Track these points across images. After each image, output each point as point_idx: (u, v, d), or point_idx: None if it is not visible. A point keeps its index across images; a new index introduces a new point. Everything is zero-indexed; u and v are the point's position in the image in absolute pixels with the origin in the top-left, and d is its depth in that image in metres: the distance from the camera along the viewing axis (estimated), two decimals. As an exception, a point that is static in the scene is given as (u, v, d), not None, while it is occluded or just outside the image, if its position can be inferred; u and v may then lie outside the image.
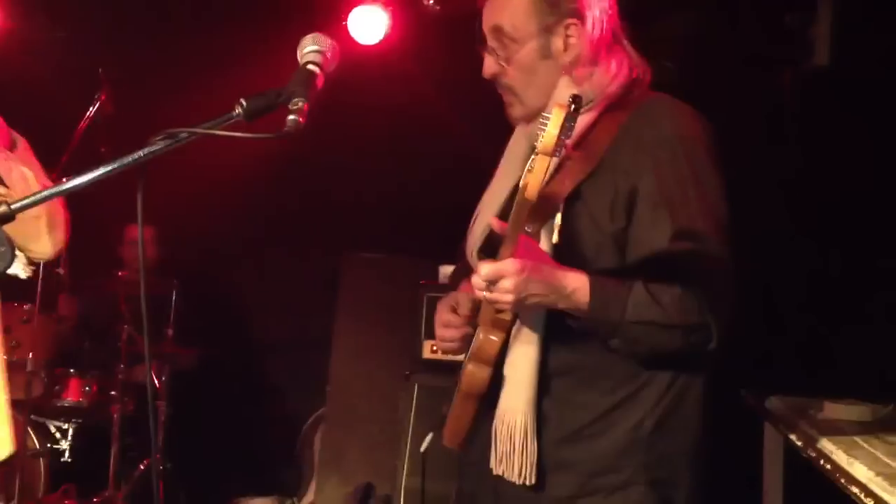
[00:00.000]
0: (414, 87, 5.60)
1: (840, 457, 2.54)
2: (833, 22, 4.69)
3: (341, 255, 5.60)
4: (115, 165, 1.71)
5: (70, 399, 5.33)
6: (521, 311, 2.14)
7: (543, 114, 1.90)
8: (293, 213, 5.95)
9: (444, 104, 5.49)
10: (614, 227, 2.14)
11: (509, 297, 2.00)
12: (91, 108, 4.90)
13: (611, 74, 2.22)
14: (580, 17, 2.20)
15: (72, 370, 5.36)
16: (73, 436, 5.32)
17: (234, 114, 1.76)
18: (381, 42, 5.34)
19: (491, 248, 2.30)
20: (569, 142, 2.04)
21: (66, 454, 5.30)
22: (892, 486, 2.22)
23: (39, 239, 2.62)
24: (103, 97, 4.90)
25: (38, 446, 5.15)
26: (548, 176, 1.98)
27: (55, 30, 5.61)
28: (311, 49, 1.85)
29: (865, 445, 2.63)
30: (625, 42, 2.27)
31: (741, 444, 3.74)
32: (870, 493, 2.30)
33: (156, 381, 5.45)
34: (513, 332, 2.19)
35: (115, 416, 5.25)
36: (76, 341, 5.56)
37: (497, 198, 2.37)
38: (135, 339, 5.34)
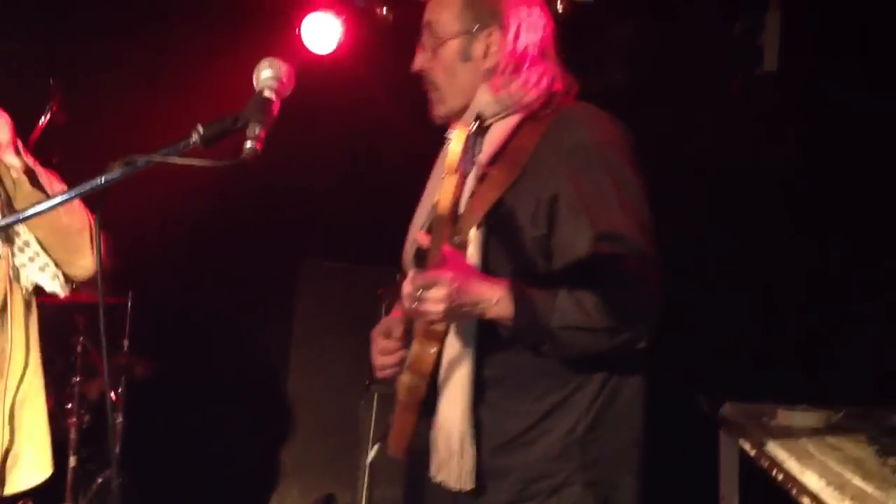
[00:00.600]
0: (368, 95, 5.60)
1: (792, 465, 2.59)
2: (781, 29, 4.77)
3: (300, 264, 5.59)
4: (74, 193, 1.73)
5: (24, 412, 5.26)
6: (453, 322, 2.21)
7: (447, 134, 2.01)
8: (251, 222, 5.91)
9: (398, 111, 5.50)
10: (538, 233, 2.22)
11: (440, 307, 2.05)
12: (43, 118, 4.85)
13: (530, 85, 2.32)
14: (503, 27, 2.33)
15: (26, 383, 5.29)
16: (27, 449, 5.25)
17: (190, 140, 1.78)
18: (334, 51, 5.34)
19: (423, 261, 2.37)
20: (483, 157, 2.17)
21: (22, 468, 5.23)
22: (842, 495, 2.26)
23: (83, 253, 2.69)
24: (55, 107, 4.85)
25: (-8, 461, 5.08)
26: (459, 191, 2.05)
27: (5, 40, 5.53)
28: (267, 75, 1.89)
29: (818, 454, 2.68)
30: (553, 58, 2.38)
31: (704, 450, 3.80)
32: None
33: (112, 393, 5.40)
34: (446, 342, 2.25)
35: (72, 429, 5.19)
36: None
37: (424, 210, 2.49)
38: (90, 351, 5.28)
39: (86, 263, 2.71)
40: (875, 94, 4.63)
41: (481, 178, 2.25)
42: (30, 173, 2.48)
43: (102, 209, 1.76)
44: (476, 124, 1.96)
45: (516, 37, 2.32)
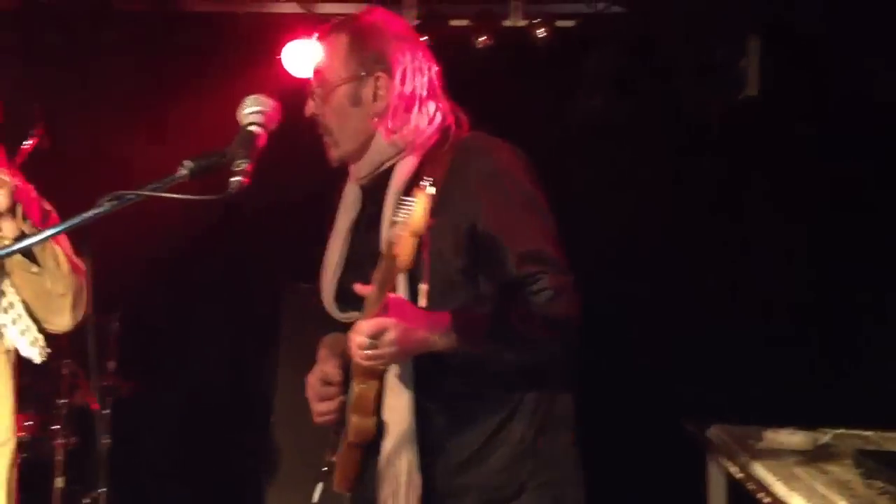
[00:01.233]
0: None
1: (779, 489, 2.61)
2: (761, 54, 4.82)
3: (283, 286, 5.59)
4: (63, 226, 1.74)
5: (10, 435, 5.23)
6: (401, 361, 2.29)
7: (404, 197, 2.03)
8: (233, 244, 5.92)
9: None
10: (462, 263, 2.33)
11: (393, 349, 2.14)
12: (27, 144, 4.84)
13: (422, 125, 2.43)
14: (389, 72, 2.42)
15: (10, 406, 5.27)
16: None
17: (178, 175, 1.80)
18: (315, 75, 5.35)
19: (346, 298, 2.51)
20: (397, 193, 2.34)
21: (7, 491, 5.21)
22: (829, 519, 2.28)
23: (63, 314, 2.83)
24: (39, 132, 4.85)
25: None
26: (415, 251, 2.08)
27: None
28: (252, 110, 1.93)
29: (805, 476, 2.69)
30: (441, 95, 2.49)
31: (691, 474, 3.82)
32: (808, 527, 2.36)
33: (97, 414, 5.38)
34: (387, 379, 2.33)
35: (59, 449, 5.17)
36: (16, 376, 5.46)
37: (338, 242, 2.59)
38: (76, 373, 5.27)
39: (63, 322, 2.87)
40: (854, 117, 4.68)
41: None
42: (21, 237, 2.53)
43: (90, 244, 1.76)
44: (431, 185, 2.00)
45: (403, 79, 2.41)
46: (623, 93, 5.13)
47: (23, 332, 2.80)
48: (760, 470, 2.80)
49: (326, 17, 5.33)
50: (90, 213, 1.72)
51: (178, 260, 5.90)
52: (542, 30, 5.14)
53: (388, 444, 2.32)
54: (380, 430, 2.33)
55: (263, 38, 5.39)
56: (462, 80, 5.28)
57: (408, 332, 2.14)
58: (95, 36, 5.50)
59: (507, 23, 5.26)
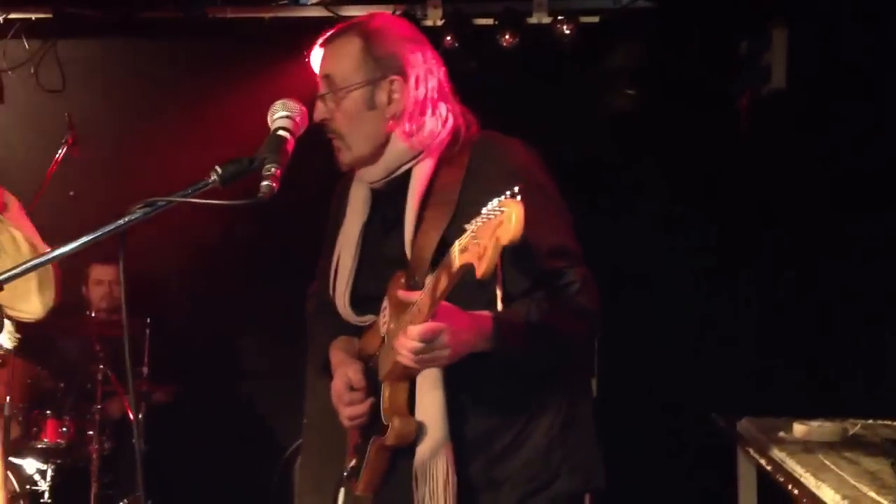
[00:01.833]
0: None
1: (808, 480, 2.61)
2: (787, 47, 4.81)
3: (311, 287, 5.62)
4: (98, 234, 1.78)
5: (47, 440, 5.31)
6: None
7: (495, 204, 1.94)
8: (264, 247, 5.96)
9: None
10: None
11: (446, 353, 2.16)
12: (59, 152, 4.92)
13: (437, 127, 2.43)
14: (404, 75, 2.41)
15: (48, 412, 5.35)
16: (51, 477, 5.31)
17: (209, 180, 1.83)
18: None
19: (360, 301, 2.52)
20: (413, 201, 2.37)
21: (46, 495, 5.28)
22: (858, 509, 2.28)
23: (29, 299, 2.71)
24: (70, 141, 4.93)
25: (17, 489, 5.14)
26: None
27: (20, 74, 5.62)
28: (280, 115, 1.94)
29: (834, 467, 2.69)
30: (451, 96, 2.49)
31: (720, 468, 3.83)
32: (837, 518, 2.37)
33: (132, 419, 5.44)
34: (418, 380, 2.35)
35: (94, 455, 5.24)
36: (51, 383, 5.55)
37: (351, 246, 2.56)
38: (110, 379, 5.34)
39: (32, 308, 2.76)
40: (882, 107, 4.66)
41: (421, 219, 2.37)
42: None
43: (125, 250, 1.80)
44: (518, 193, 1.94)
45: (417, 82, 2.41)
46: (648, 87, 5.13)
47: None
48: (790, 462, 2.80)
49: (352, 20, 5.43)
50: (123, 221, 1.76)
51: (209, 263, 5.96)
52: (567, 26, 5.15)
53: (423, 445, 2.33)
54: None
55: (290, 43, 5.43)
56: (487, 77, 5.34)
57: (456, 335, 2.15)
58: (124, 44, 5.57)
59: (532, 20, 5.28)
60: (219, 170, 1.82)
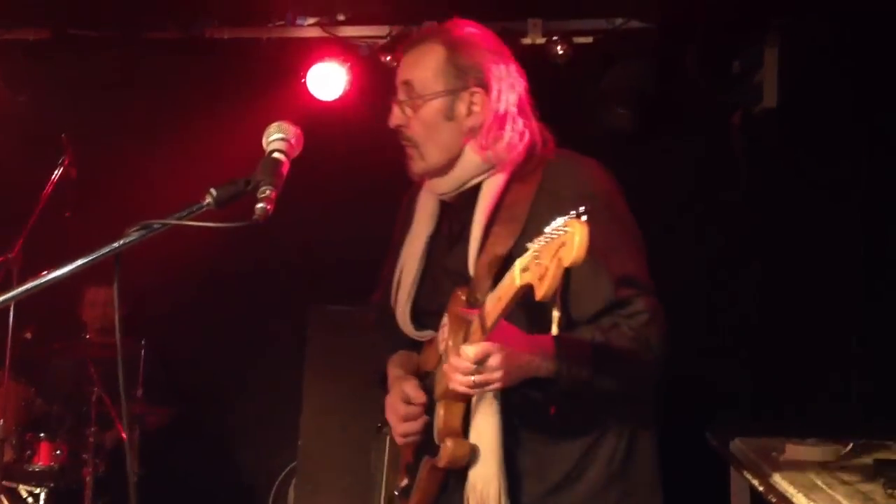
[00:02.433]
0: (374, 141, 5.65)
1: (800, 500, 2.61)
2: (779, 65, 4.84)
3: (308, 309, 5.63)
4: (93, 257, 1.78)
5: (41, 463, 5.30)
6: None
7: (560, 224, 1.89)
8: (258, 267, 5.96)
9: (403, 156, 5.56)
10: None
11: (498, 375, 2.12)
12: (55, 173, 4.92)
13: (514, 142, 2.38)
14: (486, 87, 2.38)
15: (42, 434, 5.34)
16: (45, 500, 5.29)
17: (204, 203, 1.83)
18: (340, 98, 5.43)
19: (419, 314, 2.49)
20: (481, 215, 2.32)
21: (39, 518, 5.27)
22: (850, 529, 2.29)
23: None
24: (67, 162, 4.93)
25: (9, 512, 5.13)
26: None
27: (17, 94, 5.63)
28: (276, 137, 1.94)
29: (826, 488, 2.69)
30: (530, 112, 2.45)
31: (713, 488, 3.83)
32: (828, 538, 2.37)
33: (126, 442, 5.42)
34: (473, 400, 2.30)
35: (87, 478, 5.23)
36: (45, 405, 5.54)
37: (415, 259, 2.52)
38: (104, 402, 5.32)
39: None
40: (871, 126, 4.69)
41: (484, 238, 2.32)
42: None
43: (120, 272, 1.80)
44: (584, 213, 1.88)
45: (499, 96, 2.37)
46: (642, 107, 5.15)
47: None
48: (782, 482, 2.80)
49: (349, 41, 5.46)
50: (119, 243, 1.77)
51: (203, 285, 5.96)
52: (561, 46, 5.17)
53: (476, 470, 2.28)
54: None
55: (288, 63, 5.46)
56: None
57: (512, 358, 2.11)
58: (123, 64, 5.59)
59: (526, 40, 5.29)
60: (214, 192, 1.82)
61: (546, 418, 2.32)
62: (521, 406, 2.29)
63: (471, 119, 2.38)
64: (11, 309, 4.45)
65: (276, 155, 1.91)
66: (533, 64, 5.26)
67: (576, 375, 2.21)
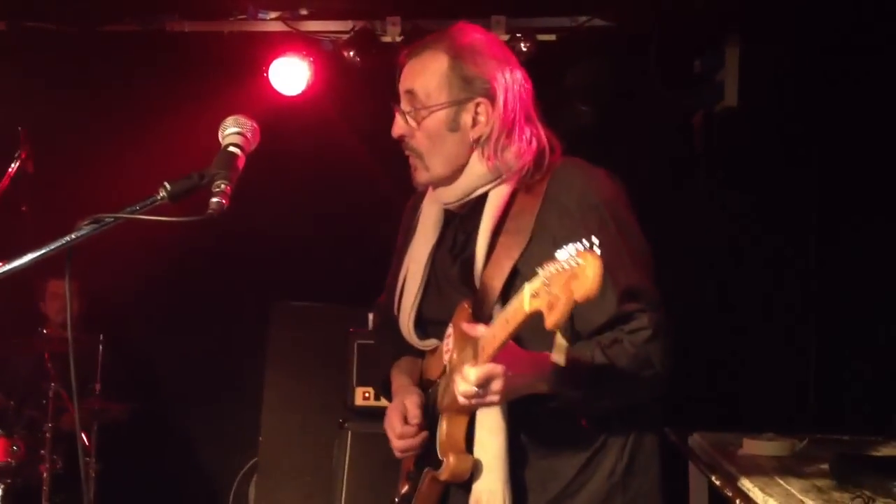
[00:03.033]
0: (337, 136, 5.66)
1: (756, 495, 2.63)
2: (740, 66, 4.88)
3: (269, 305, 5.61)
4: (44, 251, 1.75)
5: (-2, 459, 5.24)
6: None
7: (571, 252, 1.83)
8: (219, 263, 5.93)
9: (365, 152, 5.56)
10: None
11: (496, 398, 2.10)
12: (11, 167, 4.86)
13: (521, 151, 2.31)
14: (491, 97, 2.30)
15: (-2, 431, 5.28)
16: (1, 496, 5.23)
17: (158, 197, 1.81)
18: (302, 93, 5.41)
19: (424, 323, 2.45)
20: (493, 222, 2.27)
21: (-4, 515, 5.22)
22: (805, 524, 2.31)
23: None
24: (23, 155, 4.87)
25: (-35, 509, 5.07)
26: None
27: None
28: (232, 131, 1.91)
29: (782, 482, 2.72)
30: (536, 119, 2.36)
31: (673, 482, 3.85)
32: (784, 532, 2.39)
33: (84, 438, 5.38)
34: (478, 413, 2.27)
35: (45, 474, 5.18)
36: (2, 401, 5.48)
37: (419, 266, 2.46)
38: (62, 397, 5.27)
39: None
40: (831, 125, 4.74)
41: (493, 245, 2.29)
42: None
43: (71, 266, 1.78)
44: (599, 246, 1.83)
45: (505, 105, 2.31)
46: (604, 105, 5.18)
47: None
48: (739, 476, 2.83)
49: (312, 36, 5.44)
50: (70, 237, 1.74)
51: (165, 281, 5.92)
52: (525, 44, 5.18)
53: (480, 483, 2.26)
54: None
55: (249, 58, 5.44)
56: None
57: (514, 380, 2.09)
58: (81, 57, 5.53)
59: (490, 37, 5.30)
60: (167, 186, 1.80)
61: (548, 432, 2.30)
62: (524, 420, 2.27)
63: (476, 130, 2.32)
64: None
65: (231, 149, 1.88)
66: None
67: (573, 395, 2.19)
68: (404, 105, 2.37)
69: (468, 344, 2.16)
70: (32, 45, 5.51)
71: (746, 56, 4.96)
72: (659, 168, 5.16)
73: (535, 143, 2.33)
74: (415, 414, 2.39)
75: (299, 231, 5.84)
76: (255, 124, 1.94)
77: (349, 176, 5.63)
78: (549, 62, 5.23)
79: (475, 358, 2.09)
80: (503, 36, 5.28)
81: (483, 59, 2.33)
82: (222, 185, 1.80)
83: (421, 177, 2.40)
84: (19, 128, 4.81)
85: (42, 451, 5.24)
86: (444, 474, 2.28)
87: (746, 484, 2.73)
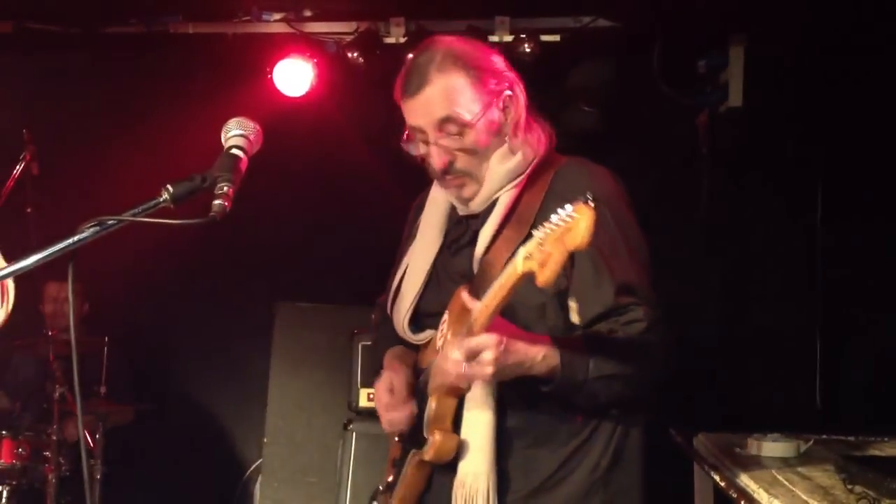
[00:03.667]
0: (339, 138, 5.66)
1: (761, 495, 2.62)
2: (744, 65, 4.87)
3: (274, 305, 5.61)
4: (47, 253, 1.75)
5: (3, 461, 5.22)
6: (497, 381, 2.23)
7: (565, 209, 1.90)
8: (224, 264, 5.93)
9: (369, 154, 5.56)
10: (556, 287, 2.23)
11: (489, 370, 2.10)
12: (16, 169, 4.87)
13: (534, 145, 2.37)
14: (511, 88, 2.36)
15: (3, 432, 5.27)
16: (7, 498, 5.22)
17: (160, 199, 1.80)
18: (306, 94, 5.41)
19: (420, 316, 2.45)
20: (496, 217, 2.29)
21: (1, 518, 5.21)
22: (809, 525, 2.30)
23: None
24: (28, 157, 4.88)
25: (-30, 511, 5.06)
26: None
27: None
28: (235, 133, 1.91)
29: (786, 482, 2.70)
30: (537, 116, 2.42)
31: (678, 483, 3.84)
32: (788, 533, 2.38)
33: (90, 440, 5.38)
34: (467, 396, 2.28)
35: (50, 476, 5.17)
36: (7, 403, 5.48)
37: (422, 266, 2.48)
38: (67, 399, 5.26)
39: None
40: (839, 125, 4.73)
41: (497, 235, 2.32)
42: None
43: (74, 269, 1.78)
44: (593, 199, 1.89)
45: (520, 92, 2.38)
46: (607, 106, 5.17)
47: None
48: (743, 477, 2.81)
49: (316, 37, 5.44)
50: (72, 240, 1.74)
51: (167, 281, 5.92)
52: (529, 45, 5.18)
53: (465, 465, 2.27)
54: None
55: (253, 59, 5.44)
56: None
57: (507, 356, 2.10)
58: (85, 59, 5.54)
59: (494, 38, 5.30)
60: (170, 188, 1.80)
61: (534, 420, 2.31)
62: (512, 406, 2.29)
63: (508, 124, 2.36)
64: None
65: (234, 151, 1.88)
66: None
67: (569, 380, 2.19)
68: (437, 136, 2.35)
69: (463, 325, 2.18)
70: (37, 47, 5.52)
71: (751, 56, 4.95)
72: (663, 168, 5.15)
73: (543, 139, 2.40)
74: (400, 387, 2.43)
75: (303, 232, 5.84)
76: (258, 127, 1.94)
77: (353, 177, 5.63)
78: (552, 63, 5.24)
79: (469, 333, 2.11)
80: (507, 37, 5.29)
81: (483, 56, 2.38)
82: (225, 188, 1.80)
83: (470, 191, 2.40)
84: (24, 130, 4.83)
85: (47, 453, 5.24)
86: (428, 453, 2.29)
87: (751, 485, 2.72)
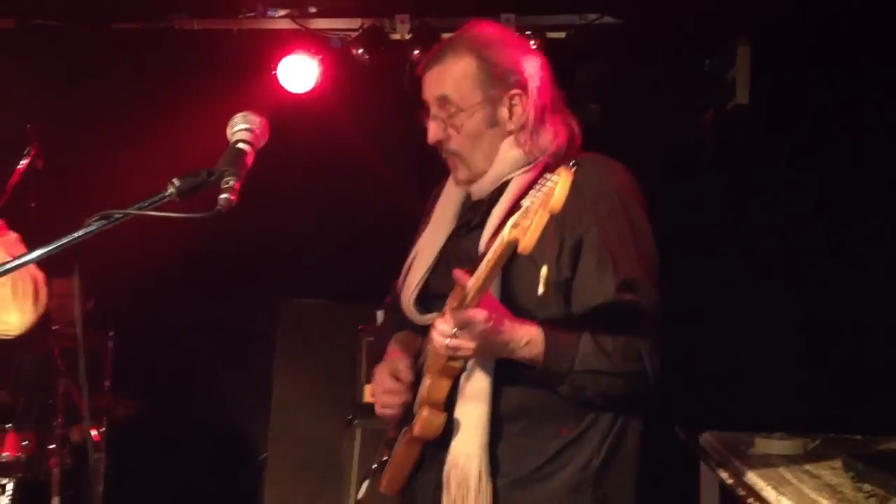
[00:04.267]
0: (344, 134, 5.65)
1: (769, 493, 2.62)
2: (751, 63, 4.86)
3: (278, 302, 5.61)
4: (52, 247, 1.75)
5: (8, 454, 5.23)
6: (480, 359, 2.25)
7: (547, 175, 1.92)
8: (229, 260, 5.93)
9: (374, 150, 5.56)
10: (560, 277, 2.26)
11: (472, 345, 2.11)
12: (21, 164, 4.86)
13: (551, 137, 2.37)
14: (523, 88, 2.35)
15: (8, 425, 5.28)
16: (12, 491, 5.23)
17: (166, 193, 1.79)
18: (311, 91, 5.40)
19: (428, 298, 2.45)
20: (510, 203, 2.26)
21: (6, 510, 5.22)
22: (817, 523, 2.29)
23: (7, 311, 2.59)
24: (33, 152, 4.87)
25: (-25, 504, 5.07)
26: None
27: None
28: (241, 127, 1.91)
29: (794, 481, 2.70)
30: (562, 108, 2.42)
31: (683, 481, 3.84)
32: (797, 531, 2.38)
33: (94, 434, 5.39)
34: (463, 377, 2.28)
35: (55, 469, 5.18)
36: (11, 397, 5.49)
37: (432, 248, 2.49)
38: (71, 393, 5.27)
39: (13, 320, 2.62)
40: (843, 124, 4.71)
41: (502, 221, 2.24)
42: None
43: (80, 262, 1.77)
44: (574, 165, 1.93)
45: (537, 92, 2.35)
46: (613, 103, 5.16)
47: None
48: (751, 475, 2.81)
49: (321, 33, 5.43)
50: (78, 234, 1.73)
51: (174, 278, 5.92)
52: (534, 42, 5.16)
53: (457, 444, 2.27)
54: (448, 429, 2.29)
55: (258, 55, 5.43)
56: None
57: (494, 331, 2.10)
58: (90, 55, 5.53)
59: (499, 35, 5.28)
60: (176, 182, 1.78)
61: (527, 409, 2.30)
62: (509, 393, 2.28)
63: (513, 121, 2.36)
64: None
65: (240, 145, 1.87)
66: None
67: (552, 370, 2.19)
68: (437, 111, 2.40)
69: (457, 300, 2.17)
70: (41, 43, 5.51)
71: (758, 54, 4.94)
72: (669, 166, 5.14)
73: (563, 131, 2.39)
74: (405, 372, 2.43)
75: (308, 228, 5.84)
76: (264, 120, 1.93)
77: (358, 173, 5.63)
78: (558, 60, 5.20)
79: (460, 307, 2.11)
80: (512, 34, 5.28)
81: (507, 50, 2.37)
82: (231, 182, 1.78)
83: (462, 175, 2.44)
84: (29, 125, 4.81)
85: (52, 447, 5.25)
86: (415, 428, 2.29)
87: (759, 483, 2.72)
